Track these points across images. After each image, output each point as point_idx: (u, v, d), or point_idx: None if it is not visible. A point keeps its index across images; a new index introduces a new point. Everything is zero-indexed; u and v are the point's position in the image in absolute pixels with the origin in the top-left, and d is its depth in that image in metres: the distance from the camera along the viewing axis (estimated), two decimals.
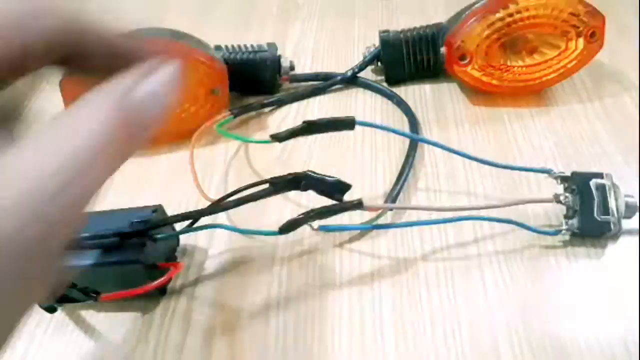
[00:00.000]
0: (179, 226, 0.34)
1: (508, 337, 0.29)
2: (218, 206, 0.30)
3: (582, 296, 0.31)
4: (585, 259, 0.32)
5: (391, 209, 0.28)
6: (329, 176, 0.29)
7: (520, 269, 0.32)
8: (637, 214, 0.33)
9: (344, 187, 0.28)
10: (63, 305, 0.33)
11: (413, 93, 0.46)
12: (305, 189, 0.28)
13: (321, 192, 0.28)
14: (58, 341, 0.32)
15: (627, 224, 0.33)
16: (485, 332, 0.30)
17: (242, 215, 0.36)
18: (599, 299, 0.30)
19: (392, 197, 0.36)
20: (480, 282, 0.32)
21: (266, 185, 0.28)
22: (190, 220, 0.32)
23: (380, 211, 0.35)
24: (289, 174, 0.28)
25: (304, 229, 0.31)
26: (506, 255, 0.33)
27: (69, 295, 0.29)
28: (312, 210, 0.30)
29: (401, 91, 0.46)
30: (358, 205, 0.29)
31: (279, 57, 0.46)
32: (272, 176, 0.30)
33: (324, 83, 0.47)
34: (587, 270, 0.32)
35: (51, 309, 0.31)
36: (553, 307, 0.30)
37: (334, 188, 0.28)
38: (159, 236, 0.31)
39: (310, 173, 0.28)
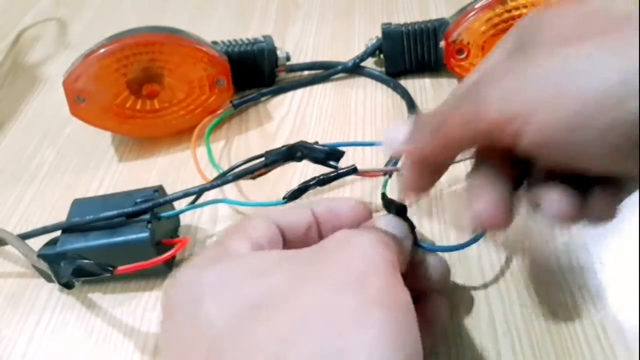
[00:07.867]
0: (181, 205, 0.34)
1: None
2: (217, 181, 0.31)
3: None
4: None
5: (384, 173, 0.30)
6: (323, 145, 0.30)
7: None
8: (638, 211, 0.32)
9: (338, 154, 0.30)
10: (80, 280, 0.33)
11: (413, 86, 0.46)
12: (300, 160, 0.29)
13: (316, 160, 0.29)
14: (58, 339, 0.32)
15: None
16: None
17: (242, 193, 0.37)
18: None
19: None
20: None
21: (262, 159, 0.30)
22: (192, 198, 0.33)
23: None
24: (284, 146, 0.29)
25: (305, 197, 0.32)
26: None
27: (86, 269, 0.29)
28: (313, 178, 0.31)
29: (401, 84, 0.46)
30: (353, 170, 0.30)
31: (276, 48, 0.47)
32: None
33: (324, 72, 0.48)
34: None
35: (69, 285, 0.31)
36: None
37: (328, 156, 0.29)
38: (162, 214, 0.32)
39: (304, 143, 0.29)
